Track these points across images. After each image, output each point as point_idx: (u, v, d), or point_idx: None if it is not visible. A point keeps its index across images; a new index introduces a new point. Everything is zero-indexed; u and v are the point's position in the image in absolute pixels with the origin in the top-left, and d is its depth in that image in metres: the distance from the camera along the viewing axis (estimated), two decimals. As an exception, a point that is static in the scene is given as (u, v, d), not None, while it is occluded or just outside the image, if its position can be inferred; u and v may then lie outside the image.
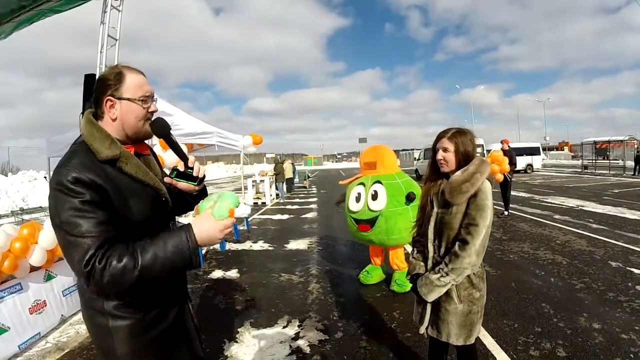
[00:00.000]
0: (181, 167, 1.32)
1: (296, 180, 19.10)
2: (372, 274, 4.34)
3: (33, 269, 3.39)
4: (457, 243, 1.68)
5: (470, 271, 1.68)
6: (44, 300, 3.41)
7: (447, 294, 1.75)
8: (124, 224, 1.11)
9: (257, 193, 14.26)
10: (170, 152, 5.01)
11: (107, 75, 1.20)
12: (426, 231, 1.82)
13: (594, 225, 7.03)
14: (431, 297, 1.74)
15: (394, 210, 3.80)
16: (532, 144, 26.09)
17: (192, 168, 1.33)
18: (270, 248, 6.54)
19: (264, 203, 13.27)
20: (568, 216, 8.15)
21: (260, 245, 6.74)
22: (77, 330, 3.46)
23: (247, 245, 6.80)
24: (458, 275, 1.66)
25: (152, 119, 1.26)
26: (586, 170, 22.68)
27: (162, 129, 1.25)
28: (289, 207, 12.10)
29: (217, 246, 6.42)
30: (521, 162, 24.73)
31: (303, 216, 10.00)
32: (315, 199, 14.20)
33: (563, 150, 52.80)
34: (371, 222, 3.87)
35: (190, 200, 1.44)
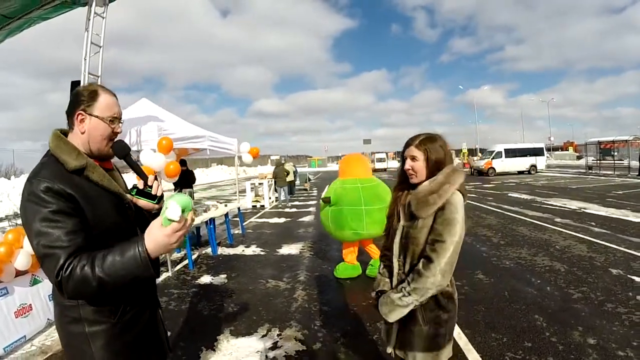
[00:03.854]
0: (140, 186, 1.39)
1: (297, 182, 18.97)
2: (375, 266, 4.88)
3: (19, 273, 3.42)
4: (421, 260, 1.52)
5: (435, 292, 1.51)
6: (30, 304, 3.42)
7: (412, 314, 1.58)
8: (95, 227, 1.19)
9: (256, 196, 14.14)
10: (155, 157, 4.93)
11: (82, 91, 1.30)
12: (392, 246, 1.67)
13: (596, 229, 6.83)
14: (392, 318, 1.57)
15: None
16: (535, 144, 25.81)
17: (151, 187, 1.40)
18: (262, 253, 6.42)
19: (263, 206, 13.16)
20: (569, 219, 7.94)
21: (252, 250, 6.63)
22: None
23: (239, 249, 6.71)
24: (421, 295, 1.50)
25: (115, 139, 1.36)
26: (590, 171, 22.34)
27: (122, 150, 1.37)
28: (287, 210, 11.99)
29: (209, 250, 6.46)
30: (525, 163, 24.50)
31: (300, 220, 9.88)
32: (314, 202, 14.06)
33: (568, 150, 52.14)
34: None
35: (150, 220, 1.40)
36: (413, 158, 1.60)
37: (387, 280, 1.70)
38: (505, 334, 3.04)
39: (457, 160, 29.06)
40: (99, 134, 1.30)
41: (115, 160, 1.46)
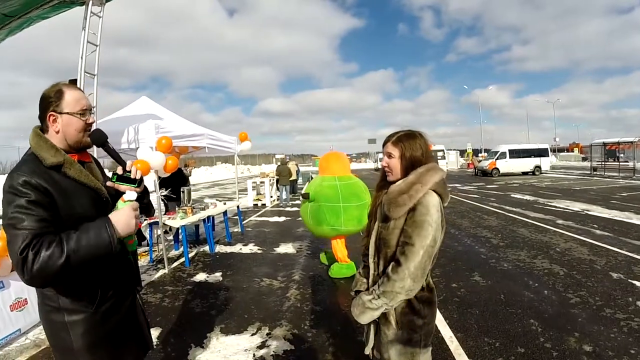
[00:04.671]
0: (120, 171, 1.42)
1: (300, 181, 18.93)
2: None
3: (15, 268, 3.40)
4: (391, 264, 1.46)
5: (405, 296, 1.45)
6: (25, 299, 3.46)
7: (386, 317, 1.53)
8: (70, 220, 1.23)
9: (257, 195, 14.10)
10: (156, 154, 4.92)
11: (48, 93, 1.34)
12: (368, 246, 1.62)
13: (598, 232, 6.71)
14: (363, 319, 1.53)
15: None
16: (540, 145, 25.57)
17: (130, 171, 1.43)
18: (259, 251, 6.39)
19: (264, 205, 13.12)
20: (571, 221, 7.83)
21: (249, 248, 6.60)
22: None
23: (237, 248, 6.68)
24: (390, 299, 1.44)
25: (91, 130, 1.41)
26: (595, 173, 22.08)
27: (99, 138, 1.41)
28: (287, 209, 11.94)
29: (207, 248, 6.43)
30: (529, 163, 24.28)
31: (300, 218, 9.79)
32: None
33: (573, 151, 51.59)
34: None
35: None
36: (389, 155, 1.54)
37: (365, 280, 1.66)
38: (499, 339, 2.97)
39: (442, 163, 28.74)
40: (73, 129, 1.35)
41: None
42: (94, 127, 1.46)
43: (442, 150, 30.54)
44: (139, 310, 1.54)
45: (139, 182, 1.45)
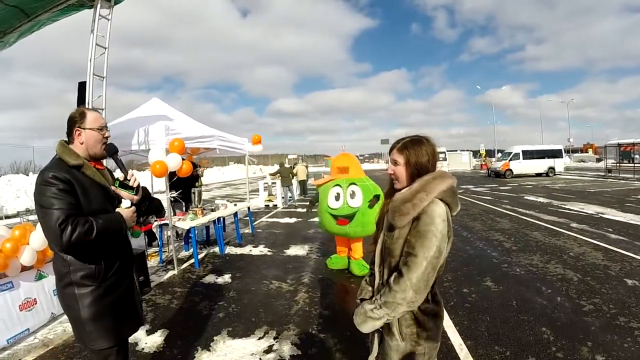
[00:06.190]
0: (121, 178, 1.81)
1: (309, 182, 18.92)
2: (335, 261, 5.32)
3: (25, 268, 3.52)
4: (393, 274, 1.43)
5: (407, 308, 1.41)
6: (35, 299, 3.53)
7: (389, 328, 1.50)
8: (86, 207, 1.63)
9: (269, 195, 14.13)
10: (173, 156, 4.93)
11: (74, 115, 1.77)
12: (374, 254, 1.59)
13: (613, 236, 6.55)
14: (365, 329, 1.50)
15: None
16: (553, 146, 25.14)
17: (129, 180, 1.79)
18: (269, 253, 6.40)
19: (275, 205, 13.14)
20: (586, 225, 7.65)
21: (259, 250, 6.61)
22: (65, 328, 3.52)
23: (247, 249, 6.70)
24: (392, 310, 1.41)
25: (107, 143, 1.83)
26: (609, 174, 21.57)
27: (111, 150, 1.83)
28: (299, 210, 11.92)
29: (217, 249, 6.46)
30: (542, 165, 23.88)
31: (311, 220, 9.79)
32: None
33: (587, 152, 50.52)
34: (350, 217, 4.61)
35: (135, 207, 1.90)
36: (395, 162, 1.52)
37: (370, 289, 1.64)
38: (509, 347, 2.91)
39: (444, 164, 28.18)
40: (94, 140, 1.77)
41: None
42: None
43: (444, 153, 30.08)
44: (135, 290, 1.91)
45: (136, 190, 1.81)
